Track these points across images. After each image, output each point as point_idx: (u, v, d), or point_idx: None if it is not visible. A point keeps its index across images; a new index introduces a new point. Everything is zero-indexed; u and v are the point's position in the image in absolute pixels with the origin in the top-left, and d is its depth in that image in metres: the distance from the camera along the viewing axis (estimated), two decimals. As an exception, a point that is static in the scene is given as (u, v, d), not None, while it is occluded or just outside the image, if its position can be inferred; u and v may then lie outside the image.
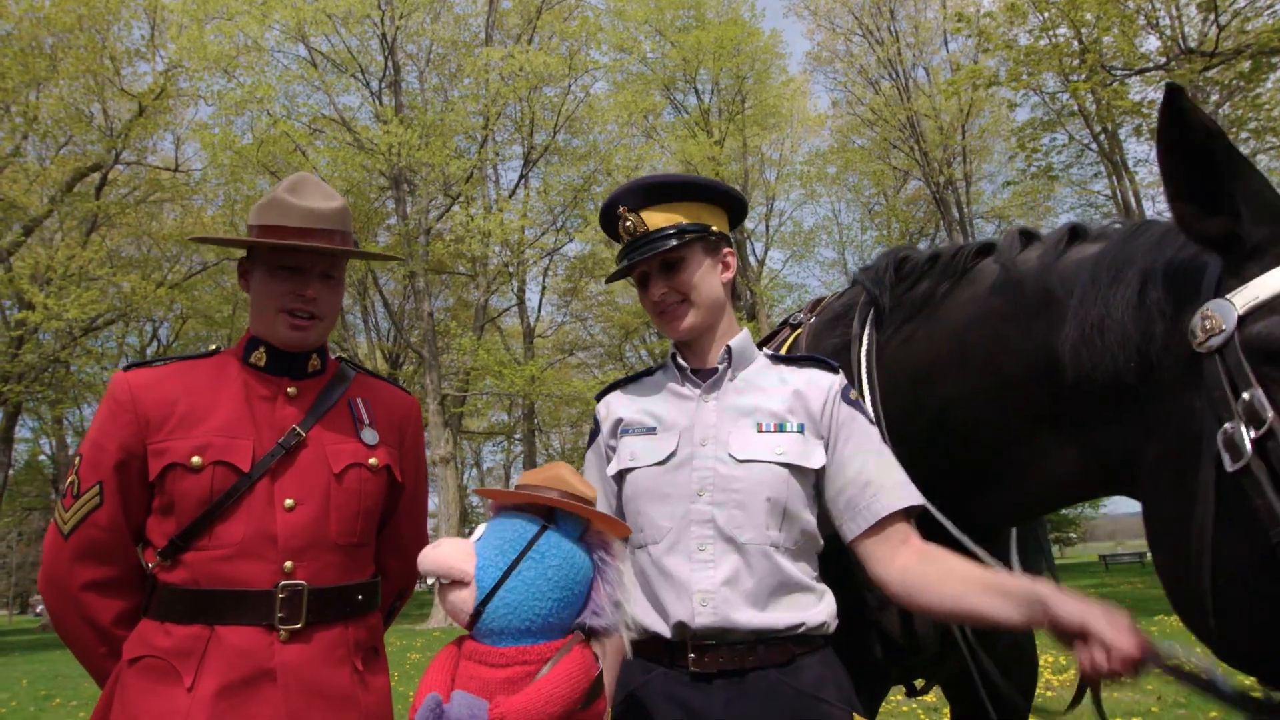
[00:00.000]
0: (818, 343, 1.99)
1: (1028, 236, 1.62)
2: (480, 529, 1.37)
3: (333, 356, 1.72)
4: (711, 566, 1.44)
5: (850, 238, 32.63)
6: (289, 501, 1.49)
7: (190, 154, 24.81)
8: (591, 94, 24.84)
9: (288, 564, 1.46)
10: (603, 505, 1.62)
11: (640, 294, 1.66)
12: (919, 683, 2.03)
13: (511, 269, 24.89)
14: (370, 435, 1.63)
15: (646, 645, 1.48)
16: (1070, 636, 1.18)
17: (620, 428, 1.64)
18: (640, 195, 1.60)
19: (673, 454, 1.53)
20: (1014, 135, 19.61)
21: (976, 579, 1.34)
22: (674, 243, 1.56)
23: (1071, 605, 1.18)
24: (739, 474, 1.48)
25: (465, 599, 1.29)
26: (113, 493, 1.49)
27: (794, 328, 2.20)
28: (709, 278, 1.60)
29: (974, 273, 1.66)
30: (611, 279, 1.71)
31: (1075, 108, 19.15)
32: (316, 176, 1.63)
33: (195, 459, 1.45)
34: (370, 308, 29.02)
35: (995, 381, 1.52)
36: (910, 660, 1.83)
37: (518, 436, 35.06)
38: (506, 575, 1.28)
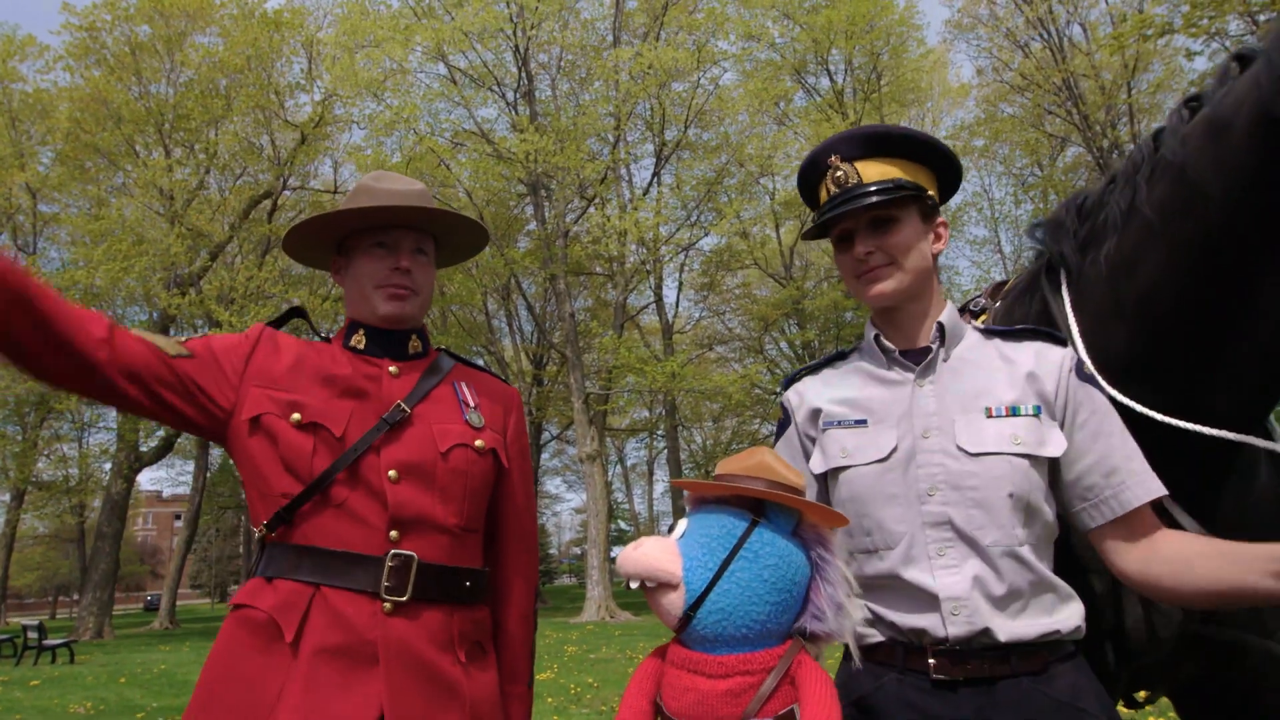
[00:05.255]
0: (1009, 321, 1.79)
1: (1194, 103, 1.49)
2: (681, 525, 1.25)
3: (435, 348, 1.72)
4: (955, 571, 1.32)
5: (1003, 213, 30.73)
6: (393, 473, 1.47)
7: (346, 176, 26.57)
8: (720, 85, 24.66)
9: (394, 533, 1.45)
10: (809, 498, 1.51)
11: (838, 255, 1.51)
12: (1140, 694, 1.76)
13: (648, 266, 25.07)
14: (476, 418, 1.61)
15: (875, 650, 1.36)
16: None
17: (821, 419, 1.49)
18: (857, 144, 1.46)
19: (894, 449, 1.39)
20: (1193, 87, 17.73)
21: (1231, 552, 1.24)
22: (889, 197, 1.41)
23: None
24: (973, 469, 1.34)
25: (675, 603, 1.18)
26: (204, 364, 1.48)
27: (975, 314, 1.99)
28: (920, 244, 1.45)
29: (1158, 166, 1.53)
30: (809, 235, 1.57)
31: (1265, 50, 17.06)
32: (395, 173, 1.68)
33: (295, 415, 1.47)
34: (514, 311, 30.07)
35: (1203, 227, 1.40)
36: (1141, 661, 1.60)
37: (660, 433, 35.32)
38: (718, 577, 1.17)
